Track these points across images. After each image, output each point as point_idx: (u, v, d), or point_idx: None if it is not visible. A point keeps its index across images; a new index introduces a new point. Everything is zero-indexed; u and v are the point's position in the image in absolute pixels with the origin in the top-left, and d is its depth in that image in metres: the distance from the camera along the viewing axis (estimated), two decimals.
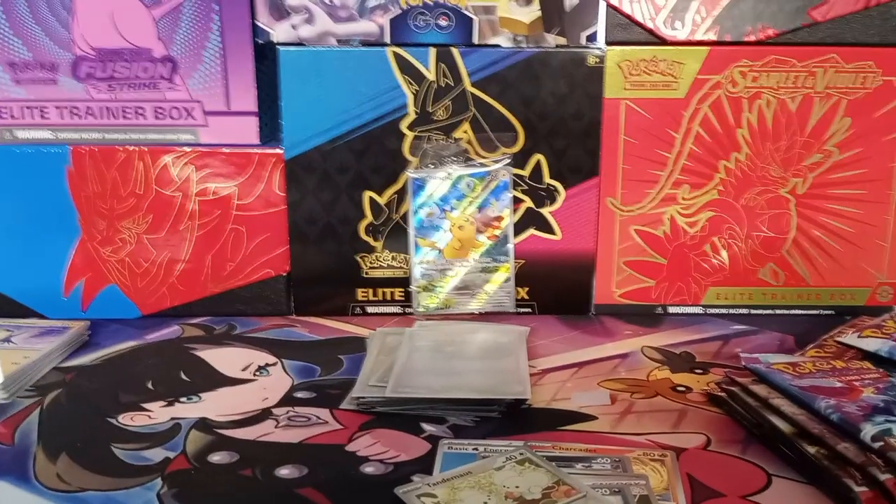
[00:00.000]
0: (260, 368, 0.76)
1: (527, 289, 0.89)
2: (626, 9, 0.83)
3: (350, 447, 0.62)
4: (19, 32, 0.84)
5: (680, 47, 0.84)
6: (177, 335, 0.85)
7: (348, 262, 0.89)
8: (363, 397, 0.69)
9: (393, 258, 0.89)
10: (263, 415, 0.67)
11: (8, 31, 0.84)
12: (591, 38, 0.84)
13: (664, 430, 0.65)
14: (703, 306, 0.90)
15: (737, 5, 0.82)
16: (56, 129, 0.87)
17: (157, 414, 0.68)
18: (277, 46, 0.84)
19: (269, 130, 0.90)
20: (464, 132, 0.86)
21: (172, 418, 0.67)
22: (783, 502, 0.55)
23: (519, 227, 0.88)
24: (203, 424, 0.66)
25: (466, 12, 0.83)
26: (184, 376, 0.75)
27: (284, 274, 0.89)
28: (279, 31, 0.84)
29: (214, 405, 0.69)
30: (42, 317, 0.88)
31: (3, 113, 0.86)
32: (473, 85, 0.84)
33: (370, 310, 0.90)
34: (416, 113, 0.85)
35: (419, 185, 0.86)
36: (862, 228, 0.88)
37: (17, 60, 0.85)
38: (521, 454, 0.59)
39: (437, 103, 0.85)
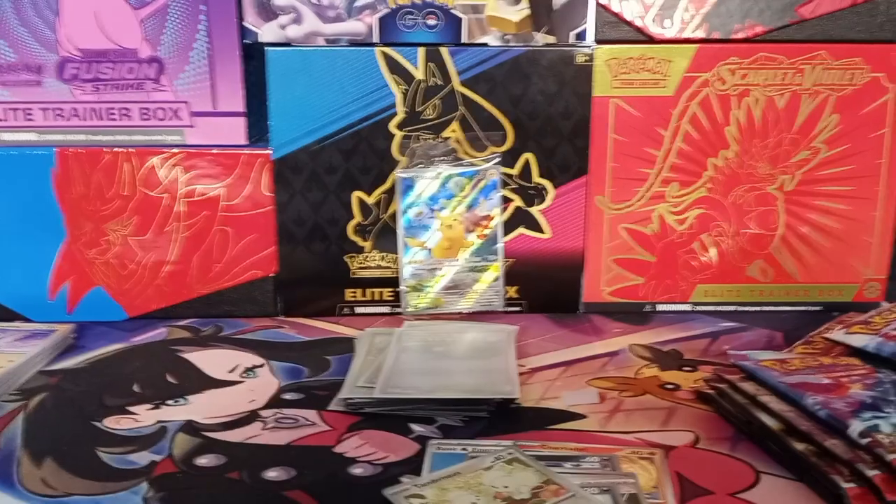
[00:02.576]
0: (247, 370, 0.76)
1: (516, 287, 0.89)
2: (615, 7, 0.83)
3: (338, 449, 0.62)
4: (3, 34, 0.83)
5: (668, 45, 0.84)
6: (163, 337, 0.84)
7: (337, 262, 0.88)
8: (351, 398, 0.68)
9: (382, 258, 0.88)
10: (251, 417, 0.67)
11: None
12: (580, 36, 0.84)
13: (653, 428, 0.65)
14: (692, 303, 0.90)
15: (725, 3, 0.82)
16: (41, 130, 0.86)
17: (144, 417, 0.67)
18: (265, 46, 0.84)
19: (257, 131, 0.89)
20: (452, 131, 0.86)
21: (159, 421, 0.66)
22: (772, 499, 0.55)
23: (508, 226, 0.88)
24: (190, 427, 0.65)
25: (455, 11, 0.83)
26: (170, 379, 0.74)
27: (272, 275, 0.89)
28: (266, 32, 0.83)
29: (201, 407, 0.69)
30: (27, 320, 0.88)
31: None
32: (462, 84, 0.84)
33: (359, 310, 0.89)
34: (405, 112, 0.85)
35: (408, 185, 0.86)
36: (850, 225, 0.88)
37: (2, 62, 0.84)
38: (510, 454, 0.59)
39: (425, 102, 0.84)
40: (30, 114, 0.86)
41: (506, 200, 0.87)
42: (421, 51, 0.83)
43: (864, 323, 0.79)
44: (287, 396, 0.71)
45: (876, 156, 0.86)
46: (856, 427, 0.56)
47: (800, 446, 0.58)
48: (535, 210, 0.88)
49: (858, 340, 0.74)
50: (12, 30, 0.83)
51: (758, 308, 0.90)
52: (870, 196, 0.87)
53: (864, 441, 0.55)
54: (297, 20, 0.83)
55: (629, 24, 0.83)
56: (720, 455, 0.61)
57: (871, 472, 0.53)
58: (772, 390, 0.64)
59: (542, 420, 0.66)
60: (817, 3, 0.82)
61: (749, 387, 0.65)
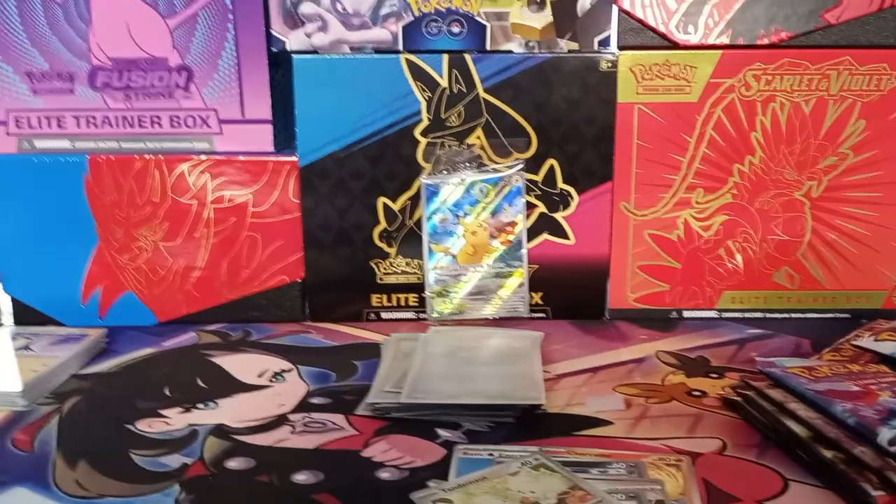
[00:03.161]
0: (275, 375, 0.77)
1: (541, 294, 0.89)
2: (639, 13, 0.83)
3: (365, 453, 0.63)
4: (36, 43, 0.85)
5: (693, 51, 0.84)
6: (193, 342, 0.85)
7: (362, 268, 0.89)
8: (378, 403, 0.69)
9: (407, 264, 0.89)
10: (279, 421, 0.68)
11: (25, 42, 0.85)
12: (604, 42, 0.84)
13: (680, 434, 0.65)
14: (718, 310, 0.90)
15: (750, 8, 0.82)
16: (73, 138, 0.88)
17: (175, 420, 0.68)
18: (292, 55, 0.85)
19: (284, 138, 0.90)
20: (477, 138, 0.86)
21: (190, 425, 0.67)
22: None
23: (532, 232, 0.88)
24: (220, 431, 0.66)
25: (479, 19, 0.83)
26: (200, 383, 0.75)
27: (299, 280, 0.90)
28: (293, 40, 0.84)
29: (231, 411, 0.70)
30: (60, 324, 0.89)
31: (21, 123, 0.87)
32: (486, 91, 0.85)
33: (384, 315, 0.90)
34: (430, 119, 0.85)
35: (433, 191, 0.87)
36: (877, 231, 0.87)
37: (35, 71, 0.86)
38: (537, 459, 0.59)
39: (450, 109, 0.85)
40: (62, 122, 0.87)
41: (530, 206, 0.88)
42: (445, 58, 0.84)
43: (894, 330, 0.79)
44: (315, 401, 0.72)
45: None
46: (885, 435, 0.56)
47: (828, 454, 0.57)
48: (559, 216, 0.88)
49: (887, 348, 0.74)
50: (45, 39, 0.85)
51: (785, 315, 0.90)
52: None
53: (893, 449, 0.55)
54: (323, 28, 0.84)
55: (653, 29, 0.83)
56: (747, 462, 0.61)
57: None
58: (799, 397, 0.64)
59: (568, 426, 0.66)
60: (843, 9, 0.82)
61: (776, 394, 0.65)
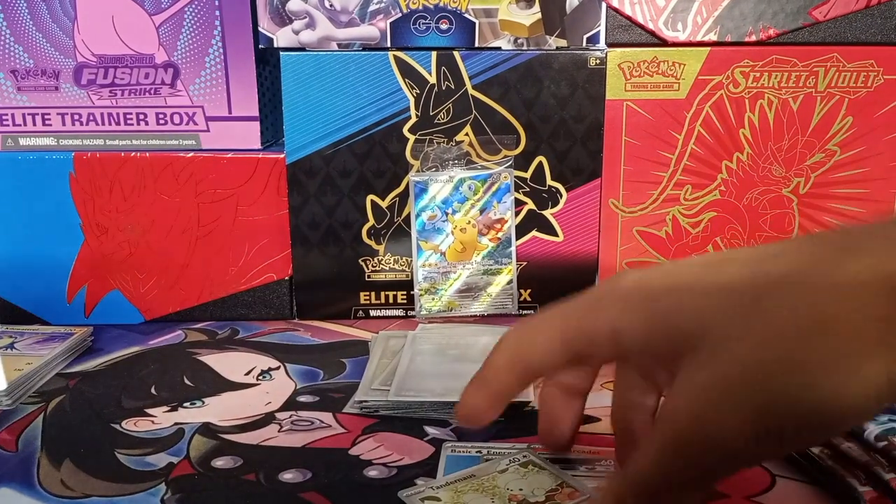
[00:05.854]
0: (263, 373, 0.76)
1: (529, 290, 0.89)
2: (628, 10, 0.83)
3: (353, 451, 0.62)
4: (21, 40, 0.84)
5: (681, 48, 0.84)
6: (179, 340, 0.85)
7: (351, 265, 0.89)
8: (366, 401, 0.69)
9: (395, 261, 0.89)
10: (266, 419, 0.67)
11: (9, 39, 0.84)
12: (592, 39, 0.84)
13: None
14: None
15: (738, 6, 0.82)
16: (59, 135, 0.87)
17: (161, 419, 0.68)
18: (279, 51, 0.84)
19: (271, 135, 0.90)
20: (465, 135, 0.86)
21: (176, 423, 0.67)
22: (787, 503, 0.55)
23: (521, 229, 0.88)
24: (206, 429, 0.66)
25: (467, 16, 0.83)
26: (187, 381, 0.75)
27: (287, 278, 0.89)
28: (281, 37, 0.84)
29: (218, 410, 0.69)
30: (45, 323, 0.88)
31: (5, 120, 0.87)
32: (475, 88, 0.84)
33: (373, 313, 0.90)
34: (418, 116, 0.85)
35: (421, 189, 0.86)
36: None
37: (19, 68, 0.85)
38: (525, 457, 0.59)
39: (438, 106, 0.85)
40: (47, 119, 0.87)
41: (518, 204, 0.87)
42: (434, 55, 0.83)
43: None
44: (302, 399, 0.71)
45: (891, 158, 0.86)
46: (872, 430, 0.56)
47: (815, 449, 0.57)
48: (548, 213, 0.88)
49: None
50: (29, 35, 0.84)
51: None
52: (885, 199, 0.87)
53: (881, 444, 0.55)
54: (311, 25, 0.84)
55: (641, 27, 0.83)
56: None
57: (888, 476, 0.53)
58: None
59: None
60: (831, 6, 0.82)
61: None
